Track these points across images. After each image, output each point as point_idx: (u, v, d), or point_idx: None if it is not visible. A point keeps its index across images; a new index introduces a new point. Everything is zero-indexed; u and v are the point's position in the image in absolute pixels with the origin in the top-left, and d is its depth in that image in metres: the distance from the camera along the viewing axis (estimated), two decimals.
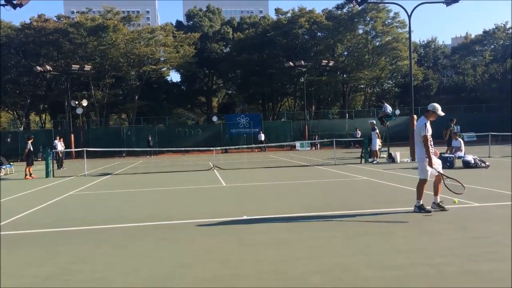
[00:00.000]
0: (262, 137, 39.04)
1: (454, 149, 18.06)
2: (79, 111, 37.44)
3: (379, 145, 21.20)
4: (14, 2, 18.22)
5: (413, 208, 7.78)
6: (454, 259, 4.92)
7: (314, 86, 48.42)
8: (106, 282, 4.60)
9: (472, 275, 4.42)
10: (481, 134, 28.26)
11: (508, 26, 53.18)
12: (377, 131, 20.74)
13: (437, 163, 7.81)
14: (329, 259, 5.10)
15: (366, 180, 13.33)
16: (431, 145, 7.66)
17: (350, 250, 5.49)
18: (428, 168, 7.62)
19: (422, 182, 7.70)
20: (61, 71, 41.63)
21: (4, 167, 21.37)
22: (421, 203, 7.67)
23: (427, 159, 7.56)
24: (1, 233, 7.19)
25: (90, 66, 39.24)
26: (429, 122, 7.73)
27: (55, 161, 21.41)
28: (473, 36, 57.91)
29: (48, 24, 43.70)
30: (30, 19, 45.23)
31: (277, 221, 7.48)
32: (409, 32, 21.92)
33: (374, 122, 21.85)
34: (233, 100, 62.78)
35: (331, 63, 41.72)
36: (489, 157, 19.60)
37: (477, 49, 55.51)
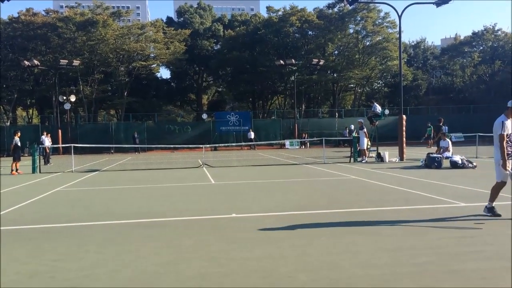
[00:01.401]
0: (252, 135, 39.01)
1: (442, 149, 18.24)
2: (67, 106, 37.05)
3: (368, 145, 21.33)
4: None
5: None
6: (439, 258, 4.97)
7: (304, 84, 48.46)
8: (92, 280, 4.56)
9: (458, 274, 4.46)
10: (468, 135, 28.57)
11: (496, 28, 53.78)
12: (365, 130, 20.83)
13: None
14: (316, 258, 5.11)
15: (354, 179, 13.39)
16: (510, 145, 7.16)
17: (337, 249, 5.51)
18: (508, 169, 7.05)
19: (499, 185, 7.25)
20: (49, 65, 41.12)
21: None
22: (492, 205, 7.27)
23: (502, 161, 7.04)
24: None
25: (79, 61, 38.84)
26: (510, 120, 7.19)
27: (42, 157, 21.18)
28: (462, 38, 58.41)
29: (37, 18, 43.10)
30: (18, 12, 44.63)
31: (265, 219, 7.48)
32: (399, 32, 22.03)
33: (362, 121, 21.96)
34: (223, 97, 62.60)
35: (321, 62, 41.76)
36: (476, 157, 19.81)
37: (466, 50, 55.99)
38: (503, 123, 7.11)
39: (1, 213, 8.66)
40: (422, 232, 6.29)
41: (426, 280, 4.29)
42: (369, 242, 5.76)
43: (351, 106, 56.64)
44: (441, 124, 23.02)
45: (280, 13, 50.32)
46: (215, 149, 36.46)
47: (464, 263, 4.79)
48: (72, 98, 37.41)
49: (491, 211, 7.25)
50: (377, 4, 46.12)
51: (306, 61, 46.17)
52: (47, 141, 23.72)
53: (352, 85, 54.69)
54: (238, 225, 7.10)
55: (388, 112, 41.09)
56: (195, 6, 58.63)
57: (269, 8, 52.23)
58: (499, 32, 53.72)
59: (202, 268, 4.83)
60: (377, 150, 20.83)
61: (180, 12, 58.16)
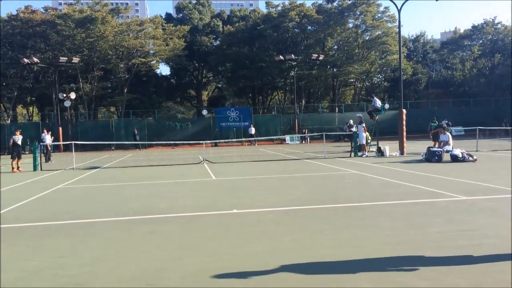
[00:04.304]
0: (252, 130, 39.01)
1: (442, 143, 18.24)
2: (67, 103, 37.04)
3: (368, 139, 21.33)
4: None
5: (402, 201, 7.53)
6: (441, 252, 4.98)
7: (304, 80, 48.40)
8: (94, 276, 4.58)
9: (459, 268, 4.47)
10: (468, 128, 28.56)
11: (496, 21, 53.62)
12: (364, 125, 20.82)
13: None
14: (317, 251, 5.13)
15: (355, 173, 13.41)
16: None
17: (338, 243, 5.53)
18: None
19: None
20: (49, 63, 41.04)
21: None
22: None
23: None
24: None
25: (78, 59, 38.79)
26: None
27: (43, 154, 21.20)
28: (462, 31, 58.21)
29: (35, 16, 43.01)
30: (16, 10, 44.52)
31: (266, 214, 7.51)
32: (399, 26, 21.97)
33: (361, 116, 21.96)
34: (223, 93, 62.56)
35: (321, 57, 41.70)
36: (476, 151, 19.82)
37: (465, 43, 55.83)
38: None
39: (4, 211, 8.69)
40: (423, 225, 6.31)
41: (427, 274, 4.31)
42: (370, 236, 5.78)
43: (351, 101, 56.57)
44: (433, 122, 23.09)
45: (279, 8, 50.19)
46: (216, 145, 36.48)
47: (466, 257, 4.81)
48: (72, 95, 37.40)
49: None
50: None
51: (305, 56, 46.09)
52: (48, 138, 23.72)
53: (352, 80, 54.64)
54: (239, 221, 7.12)
55: (388, 106, 41.17)
56: (194, 2, 58.48)
57: (268, 4, 52.08)
58: (499, 25, 53.57)
59: (204, 264, 4.85)
60: (378, 144, 20.85)
61: (179, 8, 58.03)
